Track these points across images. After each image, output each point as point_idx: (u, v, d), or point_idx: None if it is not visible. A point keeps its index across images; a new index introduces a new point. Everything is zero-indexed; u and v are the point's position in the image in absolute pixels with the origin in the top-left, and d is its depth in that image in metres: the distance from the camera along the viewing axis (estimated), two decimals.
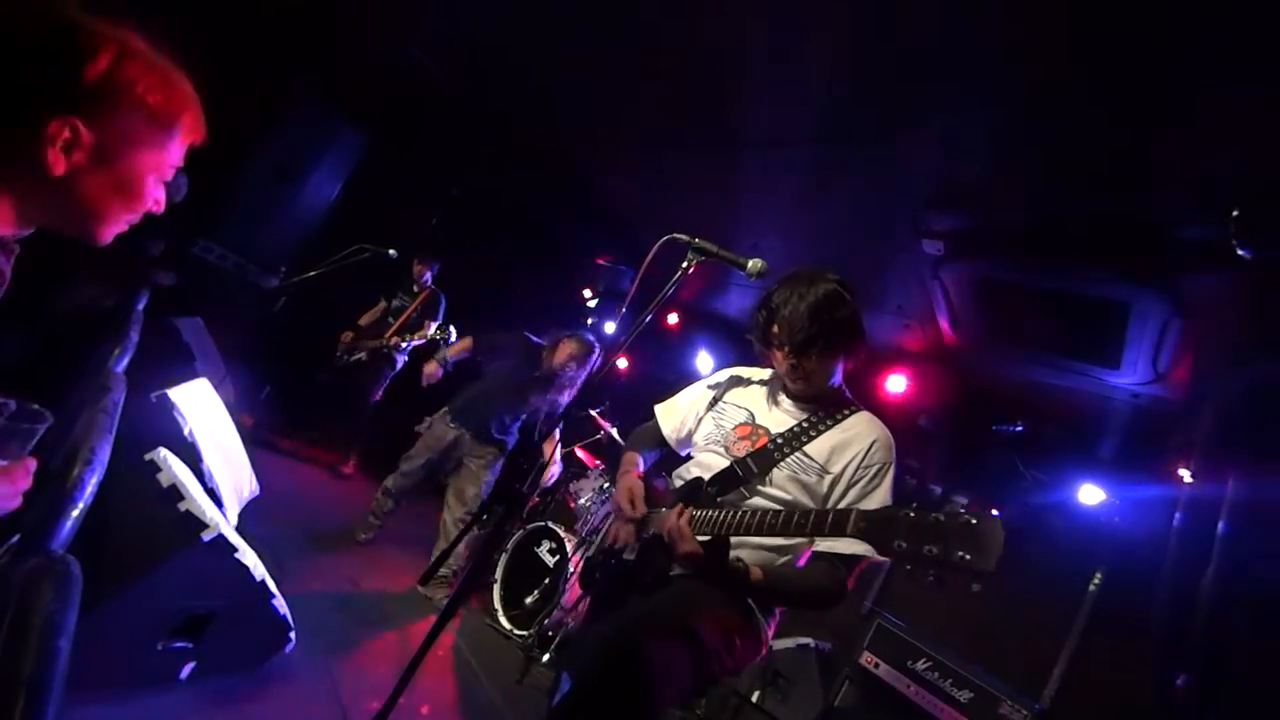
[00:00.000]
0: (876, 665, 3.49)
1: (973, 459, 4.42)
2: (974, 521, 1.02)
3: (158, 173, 0.99)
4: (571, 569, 3.63)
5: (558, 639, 3.55)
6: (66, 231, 0.97)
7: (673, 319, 6.37)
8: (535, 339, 3.83)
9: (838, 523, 1.21)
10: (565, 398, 3.65)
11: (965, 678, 3.28)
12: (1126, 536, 3.68)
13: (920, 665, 3.39)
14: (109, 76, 0.87)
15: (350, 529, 3.74)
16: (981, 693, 3.23)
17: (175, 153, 1.01)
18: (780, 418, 1.64)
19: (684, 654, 1.23)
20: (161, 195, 1.04)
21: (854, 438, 1.56)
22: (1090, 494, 3.82)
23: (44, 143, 0.84)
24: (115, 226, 1.00)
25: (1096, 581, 3.77)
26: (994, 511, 1.02)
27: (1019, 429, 4.00)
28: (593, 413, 4.66)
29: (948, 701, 3.26)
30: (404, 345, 4.84)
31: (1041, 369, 3.44)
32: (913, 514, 1.10)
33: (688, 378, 2.02)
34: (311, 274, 3.96)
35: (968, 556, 1.00)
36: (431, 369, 3.95)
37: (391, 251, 3.79)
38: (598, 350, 3.67)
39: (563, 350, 3.64)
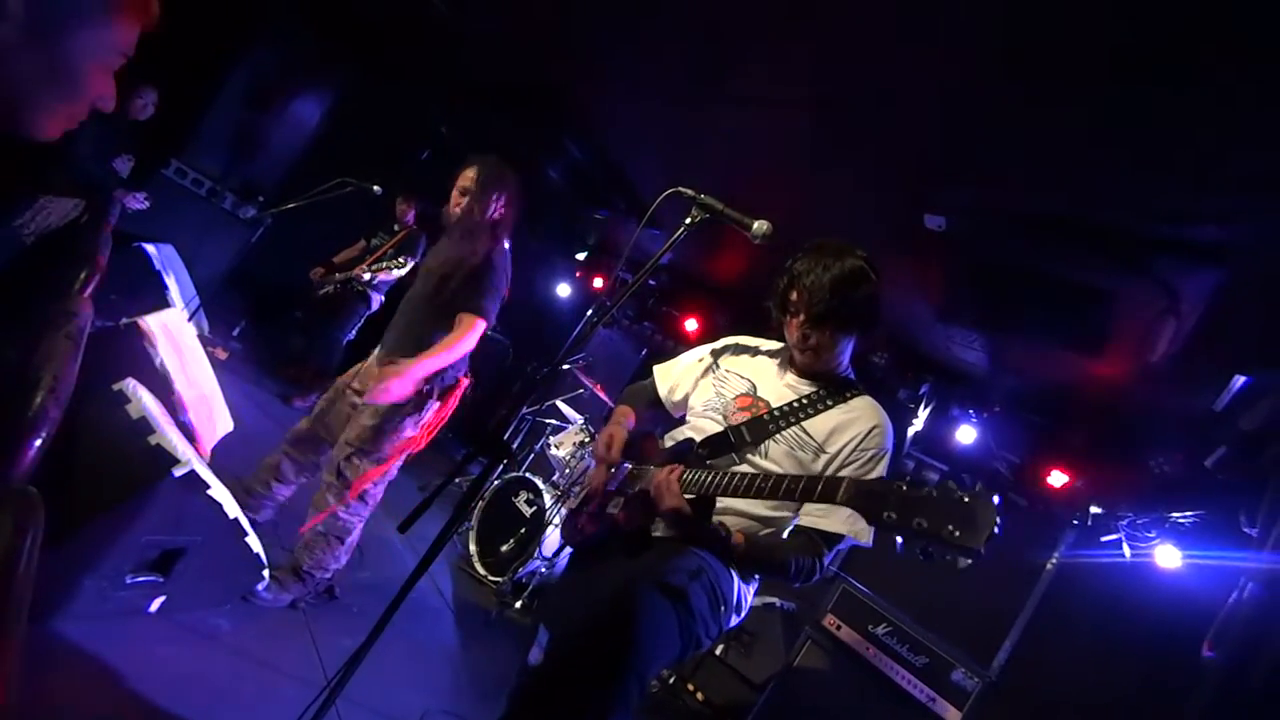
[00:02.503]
0: (838, 627, 3.60)
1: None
2: (966, 499, 1.00)
3: (100, 58, 0.89)
4: (548, 518, 3.67)
5: (531, 586, 3.62)
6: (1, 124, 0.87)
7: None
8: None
9: (829, 489, 1.19)
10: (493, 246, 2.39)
11: (922, 644, 3.41)
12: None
13: (880, 630, 3.51)
14: None
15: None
16: (936, 659, 3.36)
17: (119, 35, 0.90)
18: (782, 391, 1.61)
19: (673, 620, 1.24)
20: (110, 90, 0.94)
21: (855, 419, 1.55)
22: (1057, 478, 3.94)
23: None
24: (53, 118, 0.89)
25: (1051, 565, 3.94)
26: (994, 496, 1.00)
27: (996, 410, 4.07)
28: (575, 368, 4.63)
29: (904, 665, 3.39)
30: (375, 279, 4.68)
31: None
32: (905, 487, 1.07)
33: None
34: (290, 205, 3.82)
35: (957, 533, 0.98)
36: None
37: (376, 187, 3.65)
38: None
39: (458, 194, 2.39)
